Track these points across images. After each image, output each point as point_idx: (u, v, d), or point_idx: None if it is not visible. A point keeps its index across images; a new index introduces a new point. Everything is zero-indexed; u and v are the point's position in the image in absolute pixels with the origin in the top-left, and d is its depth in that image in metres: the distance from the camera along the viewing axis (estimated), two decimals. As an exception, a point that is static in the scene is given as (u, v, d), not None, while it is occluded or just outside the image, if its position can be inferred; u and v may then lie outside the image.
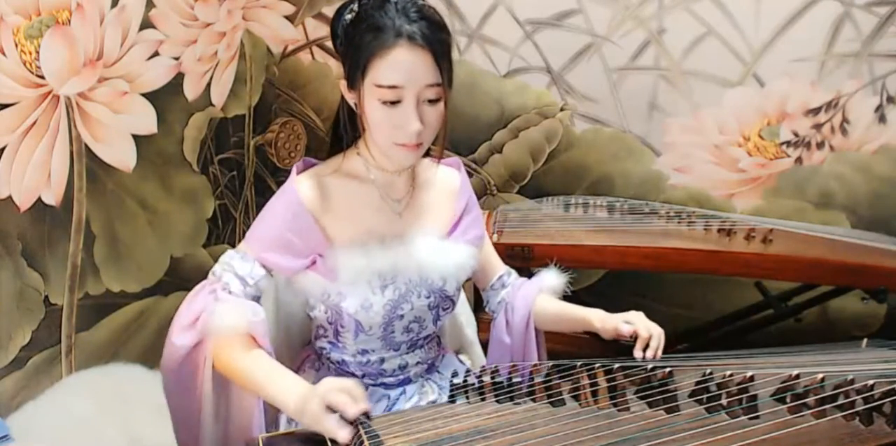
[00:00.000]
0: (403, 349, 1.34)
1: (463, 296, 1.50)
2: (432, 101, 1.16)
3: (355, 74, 1.16)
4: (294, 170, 1.28)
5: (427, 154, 1.27)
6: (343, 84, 1.22)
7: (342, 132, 1.30)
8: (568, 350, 1.38)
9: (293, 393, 1.10)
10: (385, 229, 1.28)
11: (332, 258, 1.23)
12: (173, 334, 1.25)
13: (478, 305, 2.06)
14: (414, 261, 1.27)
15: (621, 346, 2.27)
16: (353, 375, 1.33)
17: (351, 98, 1.22)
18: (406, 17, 1.13)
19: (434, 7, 1.19)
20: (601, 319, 1.30)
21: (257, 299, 1.26)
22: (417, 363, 1.37)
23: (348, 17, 1.18)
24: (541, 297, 1.41)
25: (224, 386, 1.26)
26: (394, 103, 1.14)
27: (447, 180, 1.39)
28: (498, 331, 1.45)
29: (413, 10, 1.15)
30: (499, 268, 1.48)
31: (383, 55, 1.12)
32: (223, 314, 1.19)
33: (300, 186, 1.24)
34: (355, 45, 1.16)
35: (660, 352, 1.25)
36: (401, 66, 1.12)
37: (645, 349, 1.26)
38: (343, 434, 1.00)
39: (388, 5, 1.15)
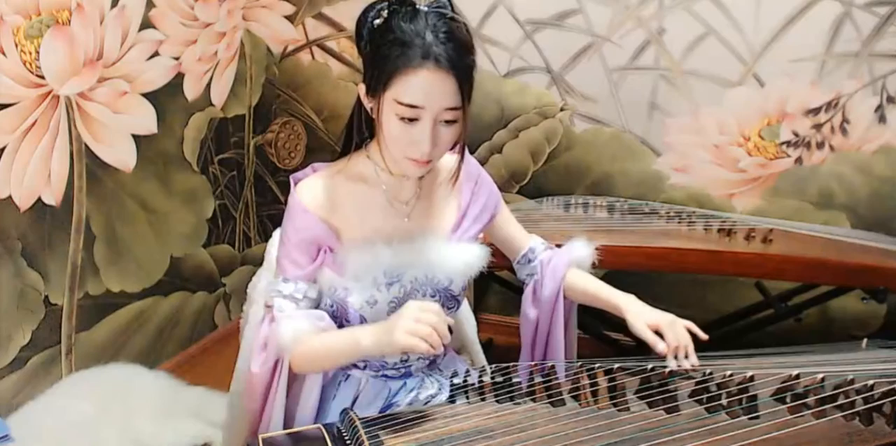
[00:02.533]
0: None
1: (463, 295, 1.50)
2: (449, 122, 1.16)
3: (376, 85, 1.15)
4: (292, 181, 1.28)
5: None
6: (362, 88, 1.21)
7: (355, 133, 1.29)
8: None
9: (368, 329, 1.16)
10: (392, 231, 1.28)
11: (340, 253, 1.24)
12: (251, 362, 1.29)
13: (478, 305, 2.06)
14: (421, 261, 1.28)
15: (621, 347, 2.26)
16: (354, 366, 1.34)
17: (368, 103, 1.21)
18: (436, 37, 1.12)
19: (465, 24, 1.17)
20: (634, 317, 1.29)
21: (316, 309, 1.28)
22: (419, 358, 1.37)
23: (377, 22, 1.16)
24: (571, 273, 1.42)
25: (291, 399, 1.31)
26: (411, 120, 1.14)
27: (452, 171, 1.36)
28: (524, 305, 1.46)
29: (443, 29, 1.13)
30: (524, 241, 1.48)
31: (408, 73, 1.11)
32: (287, 326, 1.21)
33: (301, 195, 1.25)
34: (381, 55, 1.14)
35: (693, 360, 1.24)
36: (423, 88, 1.12)
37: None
38: (436, 340, 1.07)
39: (419, 19, 1.13)
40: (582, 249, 1.44)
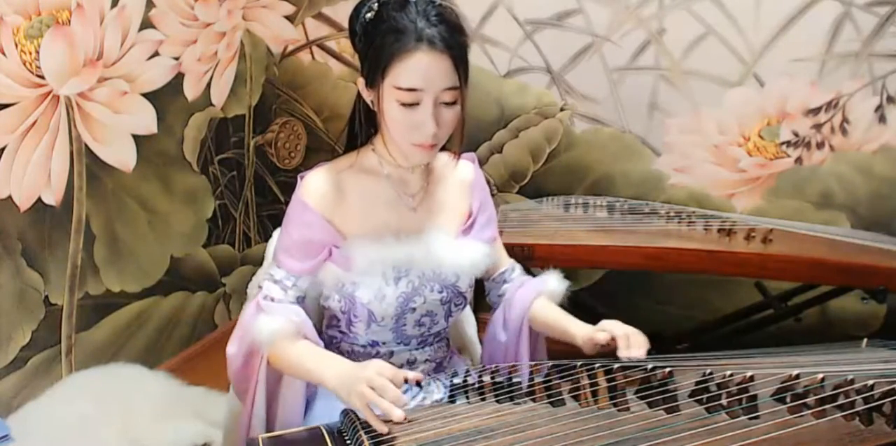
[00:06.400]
0: (414, 344, 1.36)
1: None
2: (449, 104, 1.18)
3: (375, 75, 1.18)
4: (299, 179, 1.30)
5: (444, 148, 1.29)
6: (361, 82, 1.23)
7: (357, 129, 1.30)
8: (568, 350, 1.38)
9: (335, 367, 1.16)
10: (399, 224, 1.30)
11: (347, 248, 1.26)
12: (229, 343, 1.31)
13: (478, 305, 2.06)
14: (428, 256, 1.29)
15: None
16: None
17: (368, 96, 1.23)
18: (427, 20, 1.15)
19: (453, 8, 1.20)
20: (581, 336, 1.26)
21: (302, 299, 1.30)
22: (426, 360, 1.38)
23: (368, 15, 1.19)
24: (539, 301, 1.40)
25: (275, 391, 1.31)
26: (412, 105, 1.16)
27: (461, 174, 1.40)
28: (494, 327, 1.45)
29: (434, 13, 1.16)
30: (503, 262, 1.47)
31: (403, 58, 1.14)
32: (264, 324, 1.23)
33: (306, 191, 1.26)
34: (376, 45, 1.17)
35: (643, 352, 1.19)
36: (420, 70, 1.14)
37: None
38: (398, 414, 1.04)
39: (409, 6, 1.16)
40: (554, 283, 1.42)
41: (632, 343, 1.19)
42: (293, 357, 1.23)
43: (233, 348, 1.30)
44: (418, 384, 1.10)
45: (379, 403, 1.05)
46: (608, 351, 1.22)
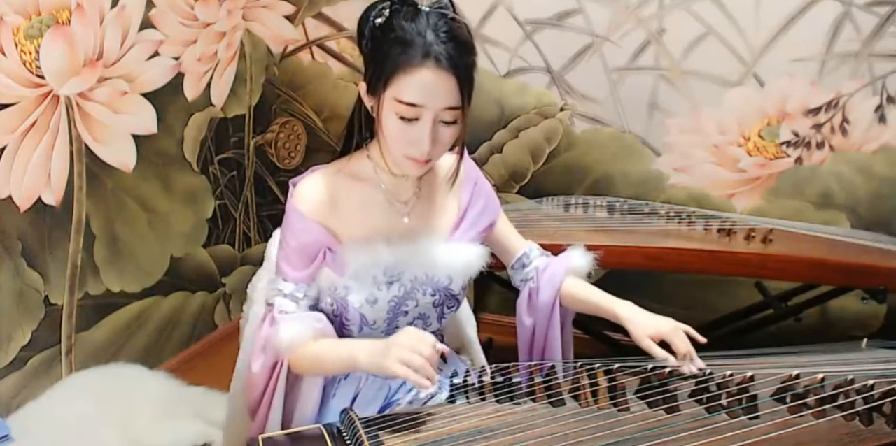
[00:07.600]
0: None
1: (463, 295, 1.50)
2: (449, 122, 1.16)
3: (377, 83, 1.16)
4: (291, 186, 1.29)
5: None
6: (362, 86, 1.22)
7: (355, 132, 1.30)
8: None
9: (365, 346, 1.17)
10: (391, 230, 1.29)
11: (340, 253, 1.25)
12: (251, 362, 1.30)
13: (478, 305, 2.06)
14: (420, 260, 1.28)
15: (621, 347, 2.26)
16: None
17: (368, 102, 1.22)
18: (436, 35, 1.12)
19: (465, 23, 1.18)
20: (636, 329, 1.27)
21: (315, 307, 1.29)
22: None
23: (378, 20, 1.16)
24: (568, 280, 1.41)
25: (292, 398, 1.32)
26: (411, 120, 1.15)
27: (451, 170, 1.37)
28: (520, 312, 1.44)
29: (444, 28, 1.14)
30: (519, 246, 1.47)
31: (408, 72, 1.12)
32: (286, 330, 1.23)
33: (299, 200, 1.26)
34: (382, 53, 1.15)
35: (699, 363, 1.24)
36: (424, 87, 1.12)
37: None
38: (433, 374, 1.08)
39: (420, 18, 1.14)
40: (580, 258, 1.43)
41: (693, 358, 1.23)
42: (319, 350, 1.22)
43: (256, 365, 1.29)
44: (443, 357, 1.11)
45: (417, 363, 1.06)
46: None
